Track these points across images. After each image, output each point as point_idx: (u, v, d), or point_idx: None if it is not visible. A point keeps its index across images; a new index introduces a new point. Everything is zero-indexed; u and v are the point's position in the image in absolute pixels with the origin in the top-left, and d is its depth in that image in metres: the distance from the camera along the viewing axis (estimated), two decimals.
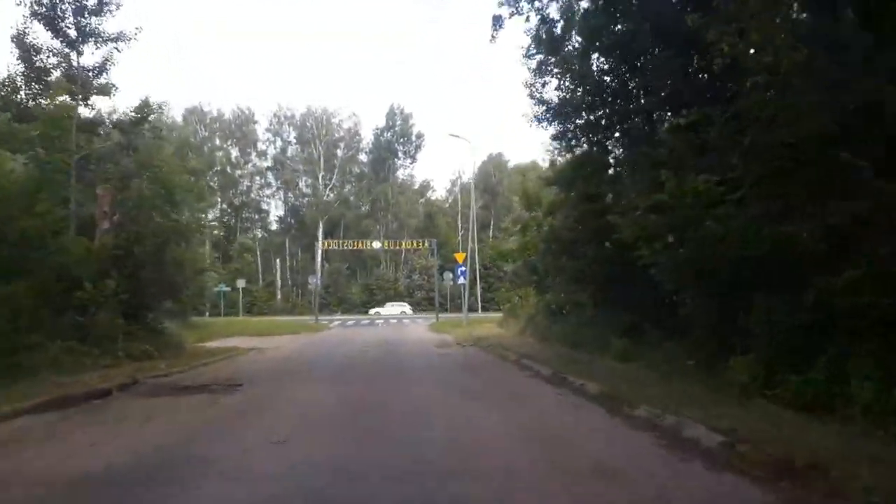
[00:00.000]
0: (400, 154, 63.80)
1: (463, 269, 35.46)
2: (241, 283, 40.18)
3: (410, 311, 51.44)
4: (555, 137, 14.72)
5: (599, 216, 12.19)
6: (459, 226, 63.49)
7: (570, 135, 14.13)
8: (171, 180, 16.03)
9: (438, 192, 69.45)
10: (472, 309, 44.52)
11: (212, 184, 62.31)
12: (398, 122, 63.21)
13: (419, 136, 63.59)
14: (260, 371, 11.70)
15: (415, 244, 44.81)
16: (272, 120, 64.58)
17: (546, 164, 29.40)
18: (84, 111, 15.48)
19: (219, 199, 64.94)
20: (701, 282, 8.21)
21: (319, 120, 62.50)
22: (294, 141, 64.50)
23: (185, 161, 60.55)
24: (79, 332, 11.13)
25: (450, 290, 48.66)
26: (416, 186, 65.82)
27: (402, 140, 63.21)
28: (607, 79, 12.86)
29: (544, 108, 14.30)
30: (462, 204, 64.87)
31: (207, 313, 45.46)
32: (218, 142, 64.82)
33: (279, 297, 60.41)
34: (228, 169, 63.92)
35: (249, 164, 66.09)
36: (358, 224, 63.67)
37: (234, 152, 65.20)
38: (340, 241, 48.08)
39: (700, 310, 8.65)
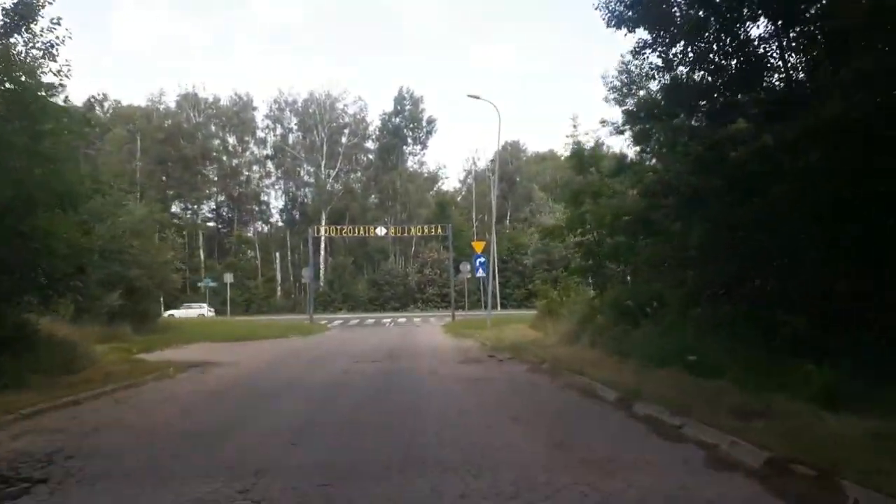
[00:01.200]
0: (409, 140, 58.79)
1: (482, 259, 30.50)
2: (227, 278, 35.32)
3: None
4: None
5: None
6: (474, 217, 58.53)
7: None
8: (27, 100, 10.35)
9: (451, 182, 64.47)
10: (476, 306, 39.66)
11: (207, 173, 57.93)
12: (407, 107, 58.21)
13: (430, 121, 58.62)
14: (137, 432, 6.35)
15: (426, 230, 39.37)
16: (272, 106, 59.90)
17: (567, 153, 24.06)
18: None
19: (215, 191, 60.50)
20: None
21: (323, 105, 57.65)
22: (295, 128, 59.76)
23: (179, 148, 56.78)
24: None
25: (466, 286, 43.69)
26: (427, 175, 60.74)
27: (411, 125, 58.18)
28: None
29: None
30: (477, 193, 59.94)
31: (208, 311, 40.87)
32: (213, 128, 60.19)
33: (279, 293, 55.75)
34: (225, 158, 59.26)
35: (248, 153, 61.47)
36: (364, 215, 58.77)
37: (232, 140, 60.55)
38: (339, 229, 42.61)
39: None
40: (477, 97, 26.70)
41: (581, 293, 19.87)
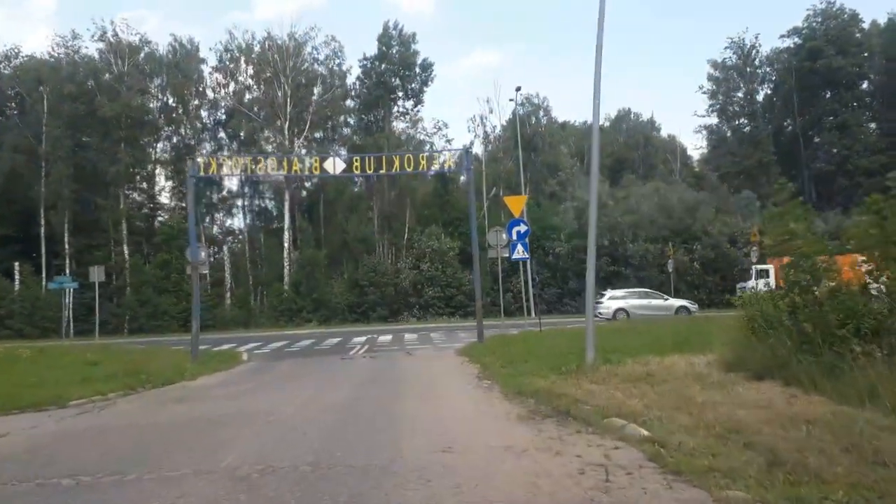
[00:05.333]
0: (398, 92, 44.76)
1: (521, 228, 16.56)
2: (97, 275, 20.89)
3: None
4: None
5: None
6: (485, 193, 44.29)
7: None
8: None
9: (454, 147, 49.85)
10: (507, 311, 25.47)
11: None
12: (395, 49, 44.21)
13: (426, 66, 44.54)
14: None
15: (422, 161, 18.85)
16: (223, 56, 46.00)
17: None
18: None
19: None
20: None
21: (284, 50, 43.69)
22: (251, 81, 45.88)
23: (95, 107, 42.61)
24: None
25: (482, 281, 29.49)
26: (423, 138, 46.54)
27: (401, 72, 44.14)
28: None
29: None
30: (488, 161, 45.91)
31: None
32: (154, 88, 46.21)
33: (228, 301, 41.72)
34: (162, 121, 45.34)
35: (197, 121, 47.56)
36: (343, 192, 44.97)
37: (171, 101, 46.64)
38: (234, 156, 21.89)
39: None
40: None
41: None
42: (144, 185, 47.52)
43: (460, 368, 11.46)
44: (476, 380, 9.50)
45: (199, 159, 16.67)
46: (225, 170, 16.85)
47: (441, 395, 7.92)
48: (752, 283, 26.55)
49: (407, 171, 18.79)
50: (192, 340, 14.79)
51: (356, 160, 17.41)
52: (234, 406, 7.93)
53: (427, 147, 46.43)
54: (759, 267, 31.78)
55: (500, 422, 5.94)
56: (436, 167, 17.33)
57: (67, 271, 38.45)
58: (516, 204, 17.89)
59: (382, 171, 18.73)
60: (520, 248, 17.08)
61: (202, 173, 16.56)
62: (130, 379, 11.23)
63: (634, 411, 5.67)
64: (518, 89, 40.12)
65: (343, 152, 47.98)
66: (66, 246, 39.96)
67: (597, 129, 9.78)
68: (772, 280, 31.19)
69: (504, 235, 15.70)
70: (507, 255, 16.51)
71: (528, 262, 18.32)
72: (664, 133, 67.11)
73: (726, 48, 52.15)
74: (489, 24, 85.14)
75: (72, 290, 36.52)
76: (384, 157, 17.79)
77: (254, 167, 17.28)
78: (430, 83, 44.79)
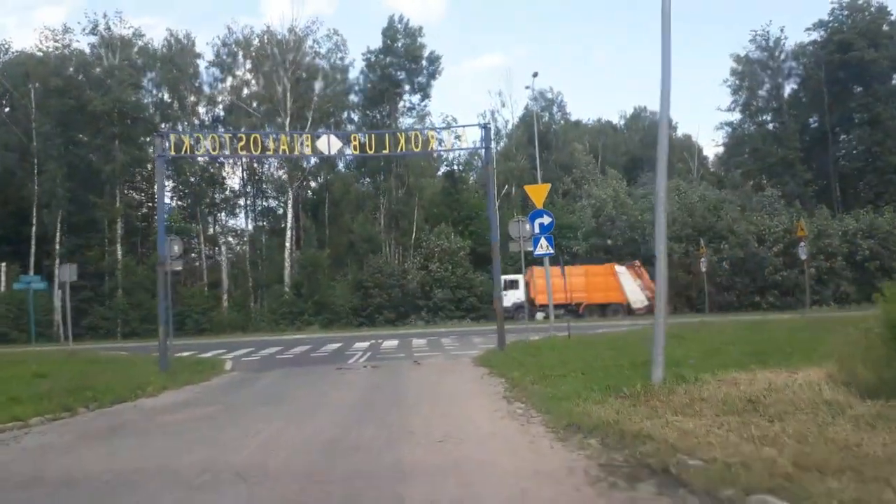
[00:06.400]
0: (404, 86, 42.65)
1: (544, 220, 14.31)
2: (67, 274, 18.59)
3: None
4: None
5: None
6: (496, 192, 42.04)
7: None
8: None
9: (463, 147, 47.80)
10: (503, 316, 23.10)
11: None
12: (401, 41, 42.10)
13: (433, 59, 42.41)
14: None
15: (428, 140, 15.21)
16: (220, 50, 44.13)
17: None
18: None
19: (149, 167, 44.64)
20: None
21: (284, 44, 41.74)
22: (250, 77, 43.97)
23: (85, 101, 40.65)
24: None
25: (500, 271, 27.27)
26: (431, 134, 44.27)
27: (407, 66, 42.03)
28: None
29: None
30: (499, 158, 43.65)
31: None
32: (148, 84, 44.40)
33: (225, 304, 39.67)
34: (158, 119, 43.41)
35: (194, 118, 45.64)
36: (346, 190, 42.96)
37: (167, 97, 44.77)
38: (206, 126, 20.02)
39: None
40: None
41: None
42: (144, 184, 45.69)
43: (481, 384, 9.19)
44: (504, 402, 7.23)
45: (171, 136, 14.39)
46: (200, 149, 14.59)
47: (462, 431, 5.68)
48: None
49: (415, 153, 16.65)
50: (160, 348, 12.60)
51: (355, 138, 15.24)
52: (168, 448, 5.74)
53: (438, 142, 44.45)
54: (507, 277, 30.69)
55: (563, 489, 3.70)
56: (447, 146, 14.92)
57: (57, 272, 36.69)
58: (538, 193, 15.61)
59: (386, 151, 16.44)
60: (543, 242, 14.82)
61: (173, 153, 14.38)
62: (73, 397, 9.06)
63: (782, 473, 3.44)
64: (535, 75, 38.19)
65: (348, 151, 46.12)
66: (57, 246, 38.00)
67: (665, 110, 7.36)
68: (521, 292, 29.66)
69: (527, 226, 13.46)
70: (531, 248, 14.22)
71: (551, 258, 16.01)
72: (679, 133, 65.04)
73: (750, 41, 49.84)
74: (498, 26, 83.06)
75: (59, 292, 35.22)
76: (388, 136, 15.53)
77: (235, 146, 15.05)
78: (437, 77, 42.71)
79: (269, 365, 15.43)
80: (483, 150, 15.05)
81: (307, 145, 14.51)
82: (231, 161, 44.54)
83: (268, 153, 17.66)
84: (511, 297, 30.88)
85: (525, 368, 9.35)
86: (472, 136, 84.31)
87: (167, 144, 13.64)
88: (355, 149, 15.25)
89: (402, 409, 7.23)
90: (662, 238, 6.97)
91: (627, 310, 33.86)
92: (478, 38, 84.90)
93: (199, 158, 38.23)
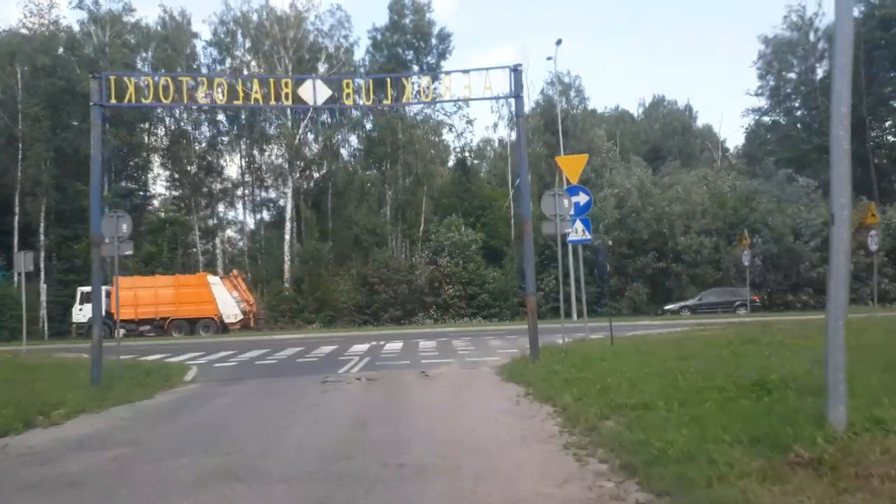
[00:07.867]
0: (413, 66, 39.82)
1: (581, 199, 11.36)
2: (23, 262, 15.98)
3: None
4: None
5: None
6: (510, 182, 39.20)
7: None
8: None
9: (476, 134, 45.01)
10: (536, 313, 20.22)
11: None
12: (409, 18, 39.26)
13: (443, 36, 39.52)
14: None
15: (443, 86, 12.00)
16: (218, 29, 41.46)
17: None
18: None
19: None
20: None
21: (285, 20, 39.04)
22: (249, 56, 41.26)
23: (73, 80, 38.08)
24: None
25: (518, 269, 24.47)
26: (442, 117, 41.48)
27: (415, 44, 39.19)
28: None
29: None
30: (514, 147, 40.76)
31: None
32: (141, 64, 41.80)
33: None
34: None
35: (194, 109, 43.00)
36: (350, 180, 40.24)
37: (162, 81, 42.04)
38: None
39: None
40: None
41: None
42: (138, 173, 43.23)
43: (521, 418, 6.31)
44: (572, 461, 4.41)
45: (112, 78, 11.62)
46: (148, 96, 11.83)
47: None
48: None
49: (423, 102, 13.97)
50: (92, 352, 9.84)
51: (348, 83, 12.50)
52: None
53: (445, 127, 41.69)
54: (83, 289, 27.71)
55: None
56: (467, 91, 11.99)
57: (42, 265, 34.45)
58: (574, 166, 12.80)
59: (387, 101, 13.74)
60: (578, 225, 12.03)
61: (114, 100, 11.69)
62: None
63: None
64: (559, 42, 35.37)
65: (353, 138, 43.45)
66: (42, 237, 35.58)
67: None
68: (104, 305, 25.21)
69: (565, 201, 10.63)
70: (569, 229, 11.40)
71: (590, 246, 13.23)
72: (700, 123, 62.09)
73: (784, 18, 46.53)
74: (512, 16, 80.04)
75: (45, 286, 32.97)
76: (389, 79, 12.92)
77: (193, 93, 12.29)
78: (447, 56, 39.80)
79: (243, 373, 12.72)
80: (514, 99, 12.09)
81: (286, 92, 11.72)
82: (229, 148, 42.23)
83: (236, 102, 14.81)
84: (87, 312, 26.60)
85: (577, 389, 6.55)
86: (484, 120, 79.88)
87: (106, 91, 10.93)
88: (350, 100, 12.43)
89: (399, 480, 4.46)
90: (846, 188, 4.18)
91: (221, 325, 30.26)
92: (489, 30, 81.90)
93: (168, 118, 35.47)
